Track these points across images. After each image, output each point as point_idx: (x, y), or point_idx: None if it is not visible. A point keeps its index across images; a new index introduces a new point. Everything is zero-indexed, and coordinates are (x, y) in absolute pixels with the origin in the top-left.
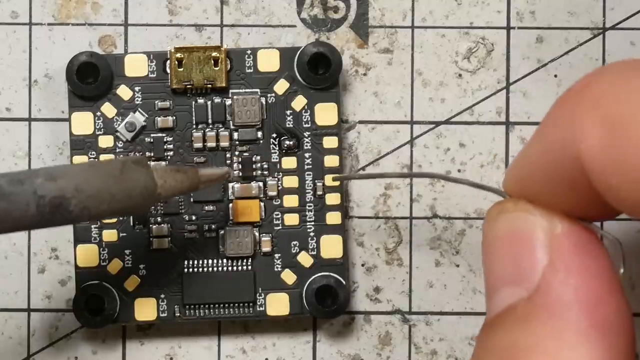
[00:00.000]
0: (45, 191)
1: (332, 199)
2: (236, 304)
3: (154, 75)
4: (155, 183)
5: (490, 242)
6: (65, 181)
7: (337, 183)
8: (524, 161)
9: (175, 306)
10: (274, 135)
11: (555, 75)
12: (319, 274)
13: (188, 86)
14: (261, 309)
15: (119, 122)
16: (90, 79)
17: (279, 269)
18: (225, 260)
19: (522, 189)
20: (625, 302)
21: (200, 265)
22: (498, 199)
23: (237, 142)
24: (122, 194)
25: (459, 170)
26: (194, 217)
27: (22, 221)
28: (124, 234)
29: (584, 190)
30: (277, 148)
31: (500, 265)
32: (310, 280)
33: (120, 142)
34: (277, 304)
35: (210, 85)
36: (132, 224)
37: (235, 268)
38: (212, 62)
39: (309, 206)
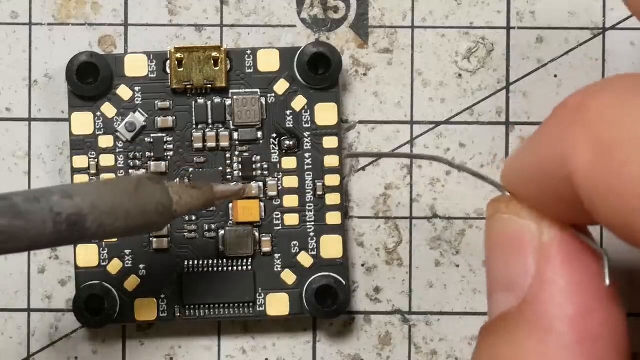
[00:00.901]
0: (62, 208)
1: (332, 199)
2: (236, 304)
3: (154, 76)
4: (170, 199)
5: (487, 243)
6: (81, 198)
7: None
8: (519, 163)
9: (175, 306)
10: (274, 135)
11: (555, 75)
12: (319, 274)
13: (188, 86)
14: (261, 309)
15: (119, 122)
16: (91, 79)
17: (279, 269)
18: (225, 261)
19: (515, 188)
20: (616, 312)
21: (200, 266)
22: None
23: (237, 142)
24: (137, 210)
25: (459, 170)
26: (194, 217)
27: (39, 240)
28: None
29: (574, 203)
30: (277, 148)
31: (495, 268)
32: (310, 280)
33: (120, 142)
34: (277, 304)
35: (210, 86)
36: None
37: (235, 268)
38: (212, 62)
39: (309, 206)
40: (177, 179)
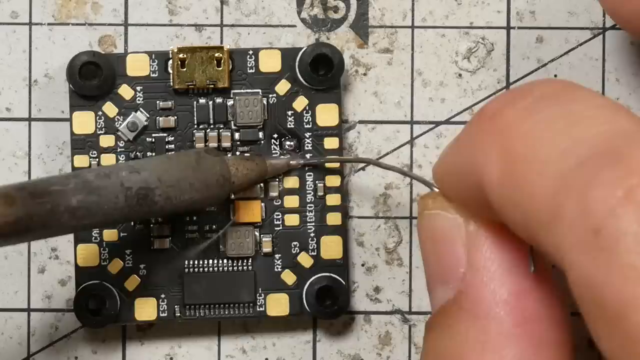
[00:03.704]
0: (132, 183)
1: (333, 199)
2: (236, 304)
3: (156, 75)
4: (229, 171)
5: (420, 238)
6: (148, 173)
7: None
8: (444, 161)
9: (176, 306)
10: (275, 135)
11: (555, 75)
12: (319, 275)
13: (190, 86)
14: (261, 309)
15: (120, 122)
16: (92, 78)
17: (279, 270)
18: (225, 261)
19: (443, 185)
20: (552, 295)
21: (200, 266)
22: None
23: (238, 143)
24: (200, 183)
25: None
26: (195, 217)
27: (113, 214)
28: (125, 234)
29: (490, 207)
30: (278, 148)
31: (430, 263)
32: (310, 280)
33: (122, 141)
34: (277, 305)
35: (212, 86)
36: (132, 223)
37: (235, 268)
38: (215, 62)
39: (309, 207)
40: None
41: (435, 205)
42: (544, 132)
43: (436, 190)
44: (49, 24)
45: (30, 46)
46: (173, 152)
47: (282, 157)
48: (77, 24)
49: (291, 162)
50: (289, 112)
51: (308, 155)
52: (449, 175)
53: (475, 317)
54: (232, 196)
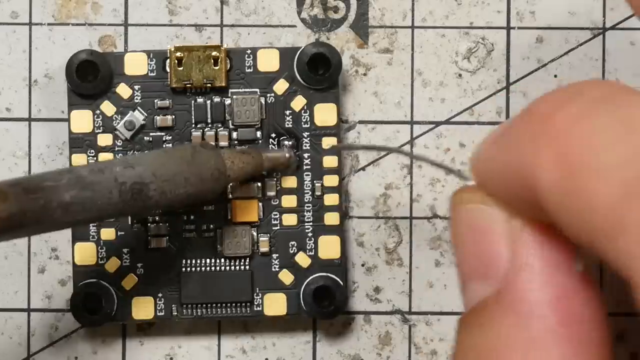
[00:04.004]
0: (126, 178)
1: (331, 199)
2: (233, 304)
3: (154, 74)
4: (224, 164)
5: (455, 234)
6: (143, 168)
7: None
8: (487, 155)
9: (173, 305)
10: (273, 135)
11: (555, 76)
12: (317, 275)
13: (188, 85)
14: (258, 308)
15: (118, 121)
16: (90, 77)
17: (277, 269)
18: (223, 260)
19: (483, 179)
20: (596, 295)
21: (198, 265)
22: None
23: (236, 142)
24: (195, 177)
25: (459, 170)
26: (192, 217)
27: (107, 209)
28: (122, 233)
29: (541, 210)
30: (276, 148)
31: (467, 259)
32: (307, 280)
33: (120, 140)
34: (275, 304)
35: (209, 85)
36: (130, 222)
37: (233, 268)
38: (212, 61)
39: (307, 206)
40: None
41: (475, 199)
42: (602, 139)
43: (471, 183)
44: (49, 24)
45: (30, 46)
46: (168, 147)
47: (280, 150)
48: (77, 24)
49: (287, 154)
50: (287, 112)
51: (306, 155)
52: (490, 171)
53: (518, 315)
54: (230, 196)
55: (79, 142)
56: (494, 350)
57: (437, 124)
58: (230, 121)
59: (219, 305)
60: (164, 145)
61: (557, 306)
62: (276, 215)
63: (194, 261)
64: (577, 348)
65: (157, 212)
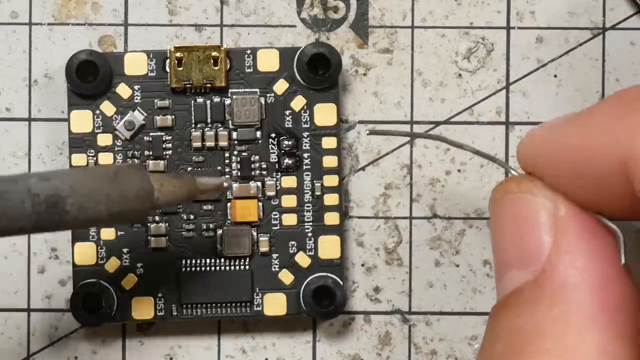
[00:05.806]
0: (40, 189)
1: (330, 199)
2: (233, 304)
3: (154, 74)
4: (151, 185)
5: (496, 224)
6: (60, 181)
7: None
8: (550, 142)
9: (173, 305)
10: (273, 135)
11: (555, 75)
12: (317, 275)
13: (187, 85)
14: (258, 308)
15: (118, 121)
16: (90, 77)
17: (277, 269)
18: (223, 260)
19: (536, 167)
20: (632, 286)
21: (197, 265)
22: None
23: (236, 142)
24: (117, 195)
25: (458, 170)
26: (192, 217)
27: (19, 220)
28: (122, 233)
29: (615, 189)
30: (275, 148)
31: (507, 248)
32: (307, 280)
33: (119, 140)
34: (275, 304)
35: (209, 85)
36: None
37: (232, 268)
38: (212, 61)
39: (307, 206)
40: (163, 161)
41: (520, 188)
42: None
43: (515, 174)
44: (49, 24)
45: (30, 46)
46: (91, 165)
47: (215, 177)
48: (77, 24)
49: (224, 183)
50: (287, 112)
51: (306, 155)
52: (556, 156)
53: (557, 299)
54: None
55: (78, 142)
56: (530, 333)
57: (437, 123)
58: (230, 121)
59: (218, 305)
60: (163, 145)
61: (597, 294)
62: (276, 215)
63: (193, 261)
64: (613, 336)
65: (80, 229)
